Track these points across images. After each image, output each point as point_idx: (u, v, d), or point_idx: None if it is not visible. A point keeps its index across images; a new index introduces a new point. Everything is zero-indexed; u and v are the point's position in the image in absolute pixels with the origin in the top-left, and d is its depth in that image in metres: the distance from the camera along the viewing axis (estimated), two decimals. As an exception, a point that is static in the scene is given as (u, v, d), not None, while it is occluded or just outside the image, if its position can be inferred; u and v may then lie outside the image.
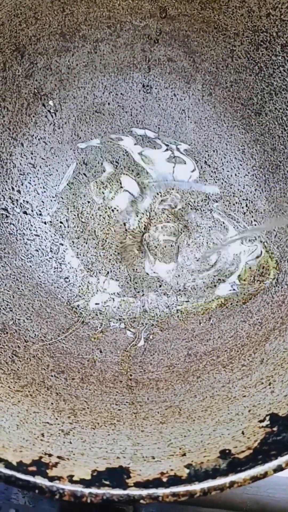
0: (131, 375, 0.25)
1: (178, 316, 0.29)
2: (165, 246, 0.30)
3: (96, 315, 0.29)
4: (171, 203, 0.31)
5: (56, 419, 0.21)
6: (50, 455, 0.19)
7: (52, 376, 0.24)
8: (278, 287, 0.28)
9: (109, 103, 0.32)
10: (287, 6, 0.27)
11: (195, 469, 0.18)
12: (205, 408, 0.22)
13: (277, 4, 0.28)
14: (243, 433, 0.20)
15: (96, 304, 0.29)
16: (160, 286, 0.30)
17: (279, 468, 0.18)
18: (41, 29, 0.29)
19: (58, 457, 0.19)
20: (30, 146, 0.30)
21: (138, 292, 0.30)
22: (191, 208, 0.31)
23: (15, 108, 0.30)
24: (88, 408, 0.22)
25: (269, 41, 0.29)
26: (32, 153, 0.30)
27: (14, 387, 0.22)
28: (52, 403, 0.22)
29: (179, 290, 0.30)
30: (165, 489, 0.17)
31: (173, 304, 0.29)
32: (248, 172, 0.31)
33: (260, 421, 0.20)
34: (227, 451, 0.19)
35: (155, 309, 0.29)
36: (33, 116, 0.30)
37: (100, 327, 0.28)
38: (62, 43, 0.30)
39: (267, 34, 0.29)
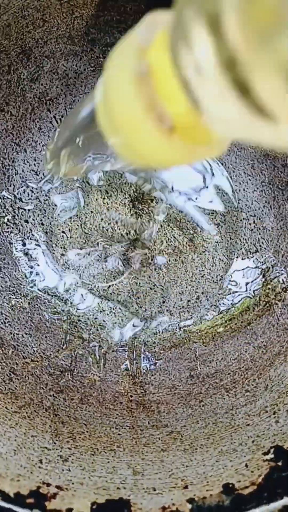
0: (131, 396, 0.25)
1: (181, 334, 0.28)
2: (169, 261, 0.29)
3: (97, 330, 0.28)
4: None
5: (55, 443, 0.21)
6: (48, 484, 0.18)
7: (50, 395, 0.23)
8: (285, 309, 0.27)
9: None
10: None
11: (197, 505, 0.18)
12: (207, 435, 0.22)
13: None
14: (246, 465, 0.20)
15: (96, 318, 0.28)
16: (163, 302, 0.29)
17: (285, 509, 0.17)
18: (49, 31, 0.28)
19: (57, 486, 0.18)
20: (33, 153, 0.29)
21: (141, 307, 0.29)
22: (196, 222, 0.30)
23: (19, 113, 0.29)
24: (87, 431, 0.22)
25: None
26: (35, 160, 0.29)
27: (11, 408, 0.22)
28: (50, 426, 0.21)
29: (183, 307, 0.29)
30: (167, 527, 0.17)
31: (176, 321, 0.29)
32: (257, 188, 0.30)
33: (264, 454, 0.20)
34: (230, 485, 0.19)
35: (157, 326, 0.28)
36: (38, 122, 0.29)
37: (100, 343, 0.27)
38: (70, 47, 0.29)
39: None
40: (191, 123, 0.11)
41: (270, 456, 0.20)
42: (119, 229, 0.30)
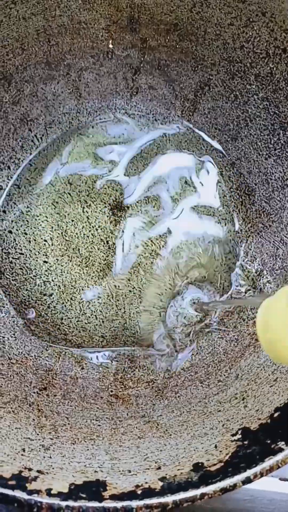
0: (111, 391, 0.26)
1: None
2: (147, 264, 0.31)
3: (79, 332, 0.30)
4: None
5: (37, 434, 0.22)
6: (30, 469, 0.20)
7: (34, 393, 0.25)
8: (253, 304, 0.29)
9: (93, 127, 0.33)
10: (259, 40, 0.29)
11: (168, 482, 0.19)
12: (181, 422, 0.23)
13: (249, 38, 0.29)
14: (216, 446, 0.21)
15: (78, 321, 0.30)
16: (141, 302, 0.31)
17: (248, 480, 0.18)
18: (28, 58, 0.30)
19: (38, 471, 0.20)
20: (16, 169, 0.32)
21: (120, 309, 0.31)
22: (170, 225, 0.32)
23: (2, 133, 0.31)
24: (68, 424, 0.23)
25: (243, 71, 0.31)
26: (18, 175, 0.32)
27: (-3, 404, 0.23)
28: (33, 419, 0.23)
29: (160, 307, 0.31)
30: (139, 501, 0.18)
31: (154, 321, 0.30)
32: (226, 194, 0.33)
33: (233, 435, 0.21)
34: (200, 464, 0.20)
35: (135, 326, 0.30)
36: (20, 141, 0.32)
37: (82, 344, 0.29)
38: (48, 72, 0.31)
39: (241, 64, 0.31)
40: None
41: (238, 436, 0.21)
42: (100, 236, 0.32)
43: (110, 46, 0.32)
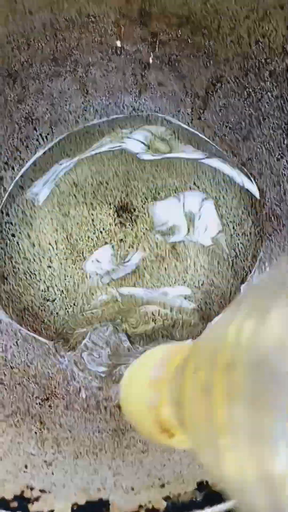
0: (114, 401, 0.26)
1: (161, 332, 0.29)
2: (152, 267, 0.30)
3: (83, 338, 0.29)
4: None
5: (39, 449, 0.22)
6: (32, 488, 0.19)
7: (37, 404, 0.24)
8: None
9: (99, 126, 0.32)
10: (275, 35, 0.28)
11: (172, 502, 0.19)
12: (186, 437, 0.23)
13: (265, 32, 0.28)
14: (221, 465, 0.20)
15: (82, 327, 0.29)
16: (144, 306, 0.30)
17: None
18: (33, 54, 0.29)
19: (40, 490, 0.19)
20: (20, 169, 0.31)
21: (125, 313, 0.30)
22: (178, 230, 0.31)
23: (6, 133, 0.30)
24: (71, 437, 0.23)
25: (257, 67, 0.29)
26: (22, 176, 0.31)
27: (-1, 416, 0.23)
28: (35, 432, 0.22)
29: (165, 313, 0.30)
30: (142, 524, 0.18)
31: (159, 325, 0.30)
32: (235, 195, 0.31)
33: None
34: (204, 482, 0.20)
35: (140, 333, 0.29)
36: (25, 140, 0.31)
37: (86, 351, 0.28)
38: (54, 68, 0.30)
39: (256, 60, 0.29)
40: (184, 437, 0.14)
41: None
42: (104, 238, 0.31)
43: (118, 44, 0.30)
